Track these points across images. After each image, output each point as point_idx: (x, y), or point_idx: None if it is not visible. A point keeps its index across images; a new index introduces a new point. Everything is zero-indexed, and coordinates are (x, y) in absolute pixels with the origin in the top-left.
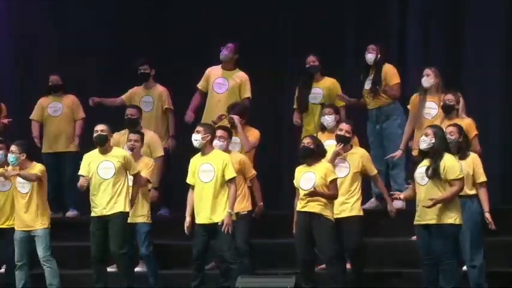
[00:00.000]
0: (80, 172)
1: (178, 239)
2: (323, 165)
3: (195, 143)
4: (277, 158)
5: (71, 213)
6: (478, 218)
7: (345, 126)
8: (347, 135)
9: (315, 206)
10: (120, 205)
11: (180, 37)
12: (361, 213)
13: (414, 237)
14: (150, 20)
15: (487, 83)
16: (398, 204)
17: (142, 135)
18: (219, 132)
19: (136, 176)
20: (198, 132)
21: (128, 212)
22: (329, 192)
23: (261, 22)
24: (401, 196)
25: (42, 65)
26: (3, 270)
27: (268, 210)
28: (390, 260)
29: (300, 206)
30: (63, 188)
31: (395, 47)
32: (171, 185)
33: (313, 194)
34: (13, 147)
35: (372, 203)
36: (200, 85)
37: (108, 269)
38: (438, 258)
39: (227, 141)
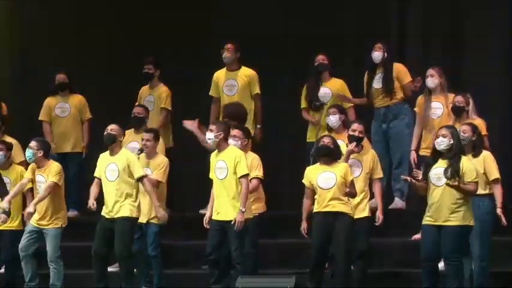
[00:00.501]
0: (95, 173)
1: (178, 239)
2: (342, 165)
3: (209, 141)
4: (277, 158)
5: (71, 213)
6: (487, 218)
7: (357, 126)
8: (360, 135)
9: (337, 205)
10: (125, 209)
11: (179, 37)
12: (370, 214)
13: (414, 237)
14: (149, 20)
15: (487, 83)
16: (398, 204)
17: (155, 133)
18: (233, 132)
19: (143, 180)
20: (210, 130)
21: (134, 218)
22: (354, 191)
23: (261, 21)
24: (420, 177)
25: (43, 64)
26: (2, 270)
27: (268, 210)
28: (390, 260)
29: (319, 206)
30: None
31: (395, 47)
32: (171, 186)
33: (348, 194)
34: (32, 143)
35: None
36: (212, 92)
37: (109, 269)
38: (445, 257)
39: (242, 141)
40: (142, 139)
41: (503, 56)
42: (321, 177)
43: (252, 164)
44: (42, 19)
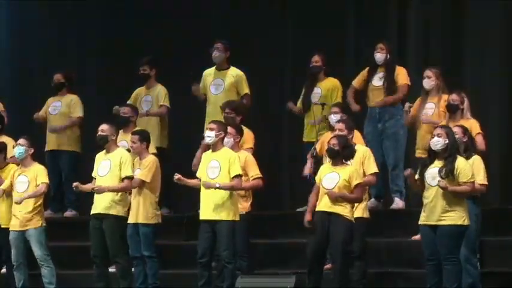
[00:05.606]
0: (93, 173)
1: (178, 239)
2: (350, 168)
3: (208, 140)
4: (277, 157)
5: (69, 213)
6: (472, 219)
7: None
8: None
9: (334, 207)
10: (115, 207)
11: (179, 36)
12: (367, 215)
13: (414, 237)
14: (149, 19)
15: (487, 83)
16: (399, 204)
17: (141, 135)
18: (228, 129)
19: (125, 180)
20: (211, 129)
21: (122, 216)
22: (352, 196)
23: (261, 20)
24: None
25: (42, 64)
26: (4, 270)
27: (268, 210)
28: (390, 260)
29: (319, 205)
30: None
31: (395, 46)
32: (171, 185)
33: (332, 194)
34: (21, 141)
35: (371, 203)
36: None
37: (110, 269)
38: (443, 258)
39: (234, 137)
40: (131, 140)
41: (503, 56)
42: (326, 177)
43: (248, 163)
44: (43, 19)
